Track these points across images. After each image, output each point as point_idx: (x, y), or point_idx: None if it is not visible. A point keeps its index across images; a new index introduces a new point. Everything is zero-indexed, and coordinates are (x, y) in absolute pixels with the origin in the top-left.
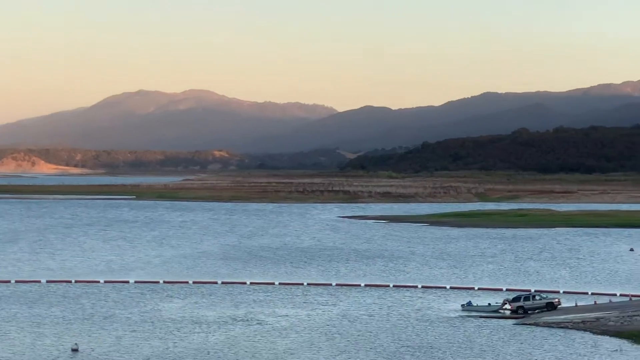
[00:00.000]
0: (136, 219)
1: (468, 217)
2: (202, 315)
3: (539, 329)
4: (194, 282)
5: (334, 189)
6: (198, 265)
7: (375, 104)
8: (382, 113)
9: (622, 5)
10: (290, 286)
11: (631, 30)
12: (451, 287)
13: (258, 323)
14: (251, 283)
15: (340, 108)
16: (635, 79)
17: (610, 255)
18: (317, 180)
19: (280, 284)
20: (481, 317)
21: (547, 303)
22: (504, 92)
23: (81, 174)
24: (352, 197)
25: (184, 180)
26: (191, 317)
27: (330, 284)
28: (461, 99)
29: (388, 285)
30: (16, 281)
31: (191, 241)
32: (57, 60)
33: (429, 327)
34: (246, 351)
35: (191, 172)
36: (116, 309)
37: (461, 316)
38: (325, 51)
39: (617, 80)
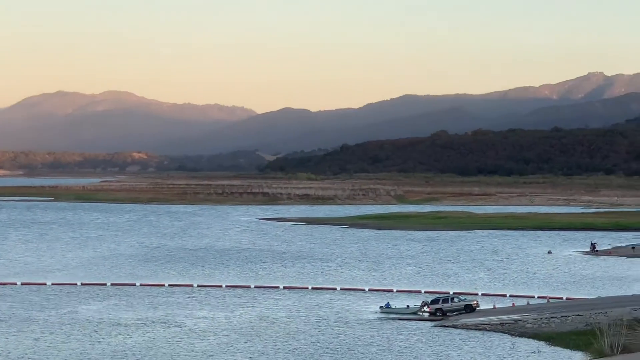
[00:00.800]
0: (54, 221)
1: (387, 219)
2: (121, 317)
3: (457, 331)
4: (112, 284)
5: (253, 191)
6: (116, 267)
7: (295, 106)
8: (301, 115)
9: (541, 10)
10: (209, 288)
11: (549, 34)
12: (370, 290)
13: (176, 325)
14: (170, 285)
15: (260, 110)
16: (553, 82)
17: (529, 258)
18: (236, 182)
19: (199, 286)
20: (400, 319)
21: (466, 305)
22: (423, 94)
23: None
24: (271, 199)
25: (102, 182)
26: (109, 319)
27: (249, 286)
28: (380, 102)
29: (307, 287)
30: None
31: (110, 243)
32: None
33: (348, 329)
34: (164, 353)
35: (110, 174)
36: (34, 311)
37: (380, 318)
38: (244, 53)
39: (536, 83)
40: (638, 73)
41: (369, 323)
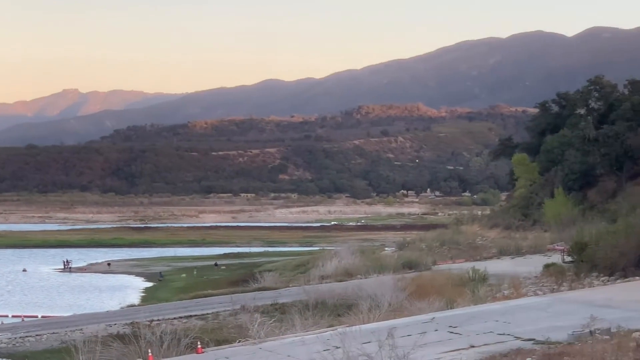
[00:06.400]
0: None
1: None
2: None
3: None
4: None
5: None
6: None
7: None
8: None
9: (19, 26)
10: None
11: (23, 50)
12: None
13: None
14: None
15: None
16: (28, 99)
17: (3, 276)
18: None
19: None
20: None
21: None
22: None
23: None
24: None
25: None
26: None
27: None
28: None
29: None
30: None
31: None
32: None
33: None
34: None
35: None
36: None
37: None
38: None
39: (10, 100)
40: (112, 90)
41: None
